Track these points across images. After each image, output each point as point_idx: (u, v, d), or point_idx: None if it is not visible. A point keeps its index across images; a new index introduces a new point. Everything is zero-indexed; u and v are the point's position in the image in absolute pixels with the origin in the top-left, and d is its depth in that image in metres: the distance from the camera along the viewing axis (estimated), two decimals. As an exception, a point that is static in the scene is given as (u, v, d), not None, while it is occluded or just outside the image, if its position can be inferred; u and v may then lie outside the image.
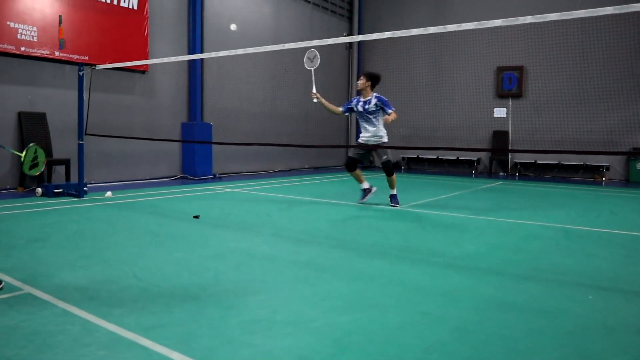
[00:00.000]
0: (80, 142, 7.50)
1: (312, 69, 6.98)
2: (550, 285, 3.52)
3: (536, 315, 2.88)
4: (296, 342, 2.46)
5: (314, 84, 6.99)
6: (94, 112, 8.08)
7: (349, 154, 7.53)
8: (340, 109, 7.60)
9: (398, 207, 7.07)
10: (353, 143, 15.96)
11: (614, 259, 4.37)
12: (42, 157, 4.89)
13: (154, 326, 2.61)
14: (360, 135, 7.46)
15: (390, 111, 7.11)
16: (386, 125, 7.33)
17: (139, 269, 3.66)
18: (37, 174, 4.99)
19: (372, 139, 7.29)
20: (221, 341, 2.45)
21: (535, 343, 2.50)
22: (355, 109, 7.39)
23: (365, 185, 7.49)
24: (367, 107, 7.25)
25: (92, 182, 9.01)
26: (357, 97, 7.50)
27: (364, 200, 7.44)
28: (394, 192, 7.27)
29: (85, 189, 7.47)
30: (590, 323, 2.79)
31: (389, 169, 7.21)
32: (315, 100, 7.15)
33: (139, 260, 3.94)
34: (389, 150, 7.41)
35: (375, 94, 7.30)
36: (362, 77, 7.38)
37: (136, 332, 2.51)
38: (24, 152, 4.73)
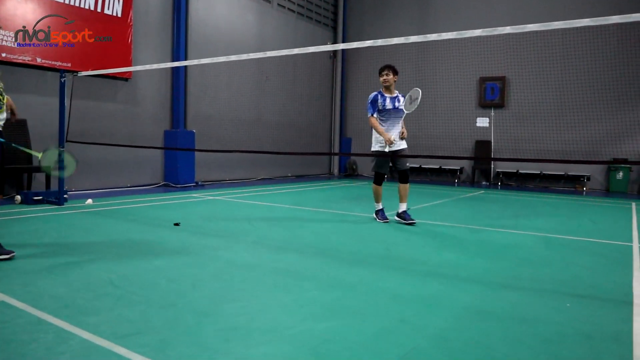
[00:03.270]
0: (61, 149, 7.41)
1: (409, 111, 6.23)
2: (529, 294, 3.53)
3: (515, 323, 2.89)
4: (273, 350, 2.43)
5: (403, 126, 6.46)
6: (75, 120, 7.99)
7: (379, 170, 6.58)
8: (374, 117, 6.44)
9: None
10: (336, 151, 15.99)
11: (593, 268, 4.42)
12: (72, 165, 5.44)
13: (129, 334, 2.57)
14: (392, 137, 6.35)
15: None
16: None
17: (117, 277, 3.61)
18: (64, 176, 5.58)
19: (396, 141, 6.38)
20: (197, 349, 2.42)
21: (513, 351, 2.51)
22: (382, 107, 6.37)
23: (381, 206, 6.72)
24: (397, 104, 6.36)
25: (73, 189, 8.90)
26: (378, 93, 6.43)
27: (385, 219, 6.59)
28: (406, 205, 6.55)
29: (65, 196, 7.38)
30: (568, 331, 2.81)
31: (408, 175, 6.60)
32: (393, 138, 6.30)
33: (117, 267, 3.89)
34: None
35: (397, 91, 6.53)
36: (389, 71, 6.39)
37: (111, 340, 2.47)
38: (41, 154, 5.11)
